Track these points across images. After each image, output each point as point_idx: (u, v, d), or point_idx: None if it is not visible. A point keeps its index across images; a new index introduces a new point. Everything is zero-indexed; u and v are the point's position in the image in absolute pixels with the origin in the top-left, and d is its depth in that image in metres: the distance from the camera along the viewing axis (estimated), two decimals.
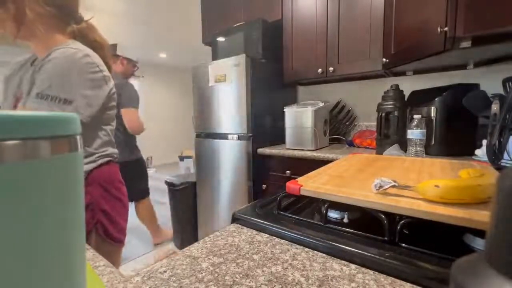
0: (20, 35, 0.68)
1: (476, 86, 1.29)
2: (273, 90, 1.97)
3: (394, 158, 0.85)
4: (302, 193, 0.52)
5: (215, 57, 2.14)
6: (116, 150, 0.87)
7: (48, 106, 0.63)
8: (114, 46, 1.83)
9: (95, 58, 0.73)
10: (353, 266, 0.37)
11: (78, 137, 0.20)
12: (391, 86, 1.33)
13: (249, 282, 0.34)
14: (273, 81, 1.95)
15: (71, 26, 0.77)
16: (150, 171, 5.20)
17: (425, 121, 1.18)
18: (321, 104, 1.66)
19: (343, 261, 0.38)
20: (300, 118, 1.65)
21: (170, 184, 2.16)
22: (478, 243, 0.38)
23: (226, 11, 2.25)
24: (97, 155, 0.78)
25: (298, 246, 0.43)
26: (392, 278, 0.34)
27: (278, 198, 0.56)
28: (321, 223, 0.48)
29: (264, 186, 1.79)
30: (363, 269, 0.36)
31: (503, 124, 0.68)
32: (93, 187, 0.76)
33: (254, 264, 0.38)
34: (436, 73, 1.63)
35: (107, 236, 0.79)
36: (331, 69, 1.71)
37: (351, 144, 1.79)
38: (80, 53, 0.69)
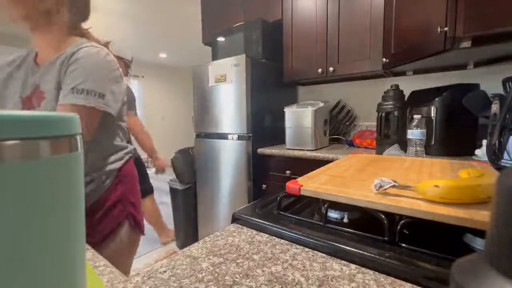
0: (42, 29, 0.70)
1: (476, 86, 1.29)
2: (273, 90, 1.97)
3: (394, 158, 0.85)
4: (302, 193, 0.52)
5: (215, 57, 2.14)
6: (133, 146, 0.91)
7: (84, 100, 0.65)
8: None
9: (112, 56, 0.76)
10: (353, 266, 0.37)
11: (78, 137, 0.20)
12: (391, 86, 1.33)
13: (249, 282, 0.34)
14: (273, 81, 1.95)
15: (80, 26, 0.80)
16: (150, 171, 5.19)
17: (425, 121, 1.18)
18: (321, 104, 1.66)
19: (343, 261, 0.38)
20: (300, 118, 1.65)
21: (174, 185, 2.16)
22: (478, 243, 0.38)
23: (226, 11, 2.25)
24: (124, 151, 0.83)
25: (298, 246, 0.43)
26: (392, 278, 0.34)
27: (278, 198, 0.56)
28: (321, 223, 0.48)
29: (264, 186, 1.79)
30: (363, 269, 0.36)
31: (503, 124, 0.68)
32: (123, 183, 0.81)
33: (254, 264, 0.38)
34: (436, 73, 1.63)
35: (137, 225, 0.84)
36: (331, 69, 1.71)
37: (351, 144, 1.79)
38: (103, 51, 0.71)
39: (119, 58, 1.94)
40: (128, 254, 0.85)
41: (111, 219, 0.77)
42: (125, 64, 1.99)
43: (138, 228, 0.86)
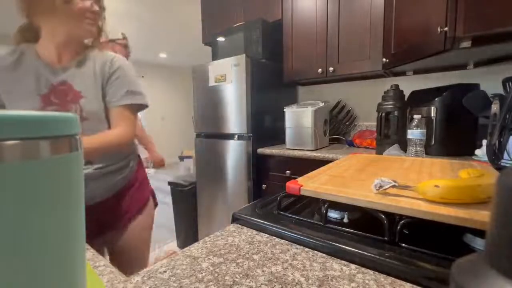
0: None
1: (476, 86, 1.29)
2: (273, 90, 1.97)
3: (394, 158, 0.85)
4: (302, 193, 0.52)
5: (215, 57, 2.14)
6: None
7: (139, 99, 0.80)
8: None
9: None
10: (353, 266, 0.37)
11: (78, 137, 0.20)
12: (391, 86, 1.33)
13: (249, 282, 0.34)
14: (273, 81, 1.95)
15: None
16: (150, 171, 5.20)
17: (425, 121, 1.18)
18: (321, 104, 1.66)
19: (343, 261, 0.38)
20: (300, 118, 1.65)
21: (176, 185, 2.15)
22: (478, 243, 0.38)
23: (226, 11, 2.25)
24: (136, 142, 0.98)
25: (298, 246, 0.43)
26: (392, 278, 0.34)
27: (278, 198, 0.56)
28: (321, 223, 0.48)
29: (264, 186, 1.79)
30: (363, 269, 0.36)
31: (503, 124, 0.68)
32: (141, 165, 0.97)
33: (254, 264, 0.38)
34: (436, 73, 1.63)
35: (155, 197, 1.02)
36: (331, 69, 1.71)
37: (351, 144, 1.79)
38: (126, 59, 0.83)
39: (115, 43, 1.72)
40: (151, 226, 0.99)
41: (140, 195, 0.92)
42: (122, 45, 1.79)
43: (155, 201, 1.02)
